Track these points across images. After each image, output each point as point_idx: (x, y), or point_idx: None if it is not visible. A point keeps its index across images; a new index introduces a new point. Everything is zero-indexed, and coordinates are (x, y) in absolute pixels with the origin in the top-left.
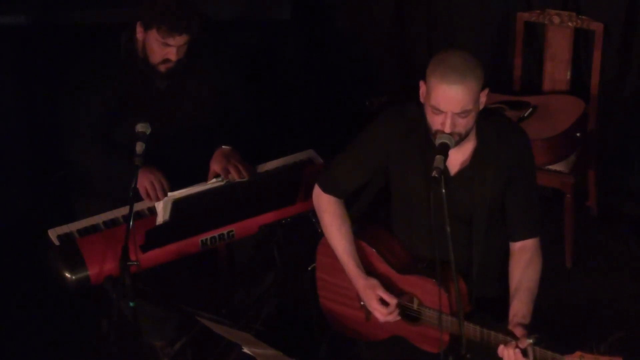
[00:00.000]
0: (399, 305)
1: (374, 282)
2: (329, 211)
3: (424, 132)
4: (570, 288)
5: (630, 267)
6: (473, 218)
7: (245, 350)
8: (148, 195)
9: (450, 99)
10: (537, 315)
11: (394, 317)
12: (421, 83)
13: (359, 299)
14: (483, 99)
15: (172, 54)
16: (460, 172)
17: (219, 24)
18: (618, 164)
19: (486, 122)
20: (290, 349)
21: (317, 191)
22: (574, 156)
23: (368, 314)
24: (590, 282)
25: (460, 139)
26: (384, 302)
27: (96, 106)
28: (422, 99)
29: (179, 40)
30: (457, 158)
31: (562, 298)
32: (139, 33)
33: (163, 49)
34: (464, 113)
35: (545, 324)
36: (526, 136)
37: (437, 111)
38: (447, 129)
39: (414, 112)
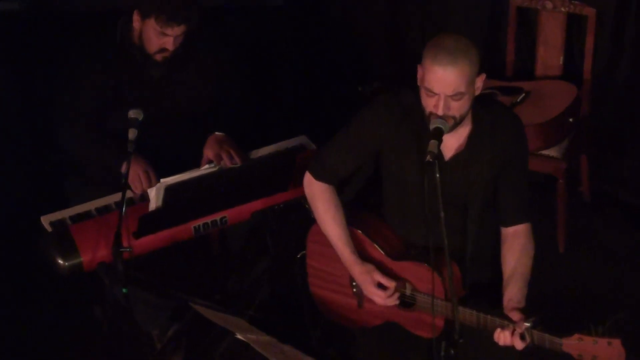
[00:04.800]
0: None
1: (370, 267)
2: (322, 199)
3: (419, 117)
4: (562, 273)
5: (622, 251)
6: (467, 203)
7: (239, 336)
8: (134, 186)
9: (442, 81)
10: (529, 300)
11: (393, 300)
12: (419, 67)
13: (351, 286)
14: (479, 84)
15: (169, 43)
16: (455, 157)
17: (211, 10)
18: (610, 150)
19: (481, 107)
20: (284, 335)
21: (308, 178)
22: (567, 141)
23: (360, 300)
24: (583, 267)
25: (455, 123)
26: (381, 287)
27: (90, 92)
28: (419, 83)
29: (177, 30)
30: (452, 143)
31: (555, 283)
32: (136, 21)
33: (160, 38)
34: (457, 95)
35: (538, 309)
36: (520, 122)
37: (431, 93)
38: (440, 112)
39: (409, 97)
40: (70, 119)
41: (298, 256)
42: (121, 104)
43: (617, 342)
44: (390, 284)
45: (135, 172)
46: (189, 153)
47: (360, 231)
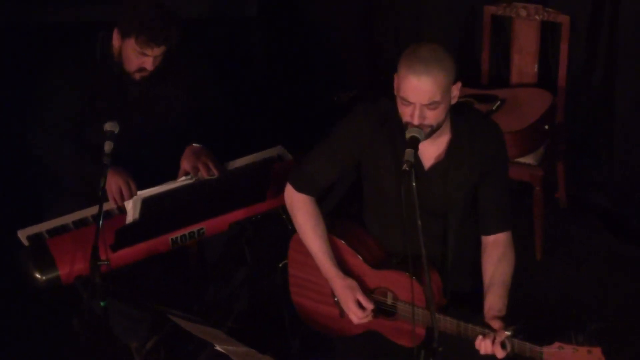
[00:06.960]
0: (374, 305)
1: (352, 283)
2: (303, 210)
3: (397, 126)
4: (540, 280)
5: (599, 258)
6: (448, 211)
7: (218, 347)
8: (115, 198)
9: (417, 90)
10: (508, 308)
11: (368, 320)
12: (395, 76)
13: (333, 295)
14: (455, 92)
15: (149, 63)
16: (435, 166)
17: (185, 22)
18: (586, 156)
19: (460, 116)
20: (263, 346)
21: (289, 190)
22: (543, 149)
23: (342, 310)
24: (561, 274)
25: (432, 131)
26: (360, 305)
27: (67, 103)
28: (395, 92)
29: (157, 51)
30: (431, 152)
31: (533, 290)
32: (116, 40)
33: (139, 58)
34: (432, 104)
35: (518, 317)
36: (500, 130)
37: (406, 102)
38: (416, 121)
39: (387, 106)
40: (48, 129)
41: (280, 265)
42: (99, 117)
43: (597, 351)
44: (369, 305)
45: (116, 184)
46: (166, 165)
47: (341, 240)
